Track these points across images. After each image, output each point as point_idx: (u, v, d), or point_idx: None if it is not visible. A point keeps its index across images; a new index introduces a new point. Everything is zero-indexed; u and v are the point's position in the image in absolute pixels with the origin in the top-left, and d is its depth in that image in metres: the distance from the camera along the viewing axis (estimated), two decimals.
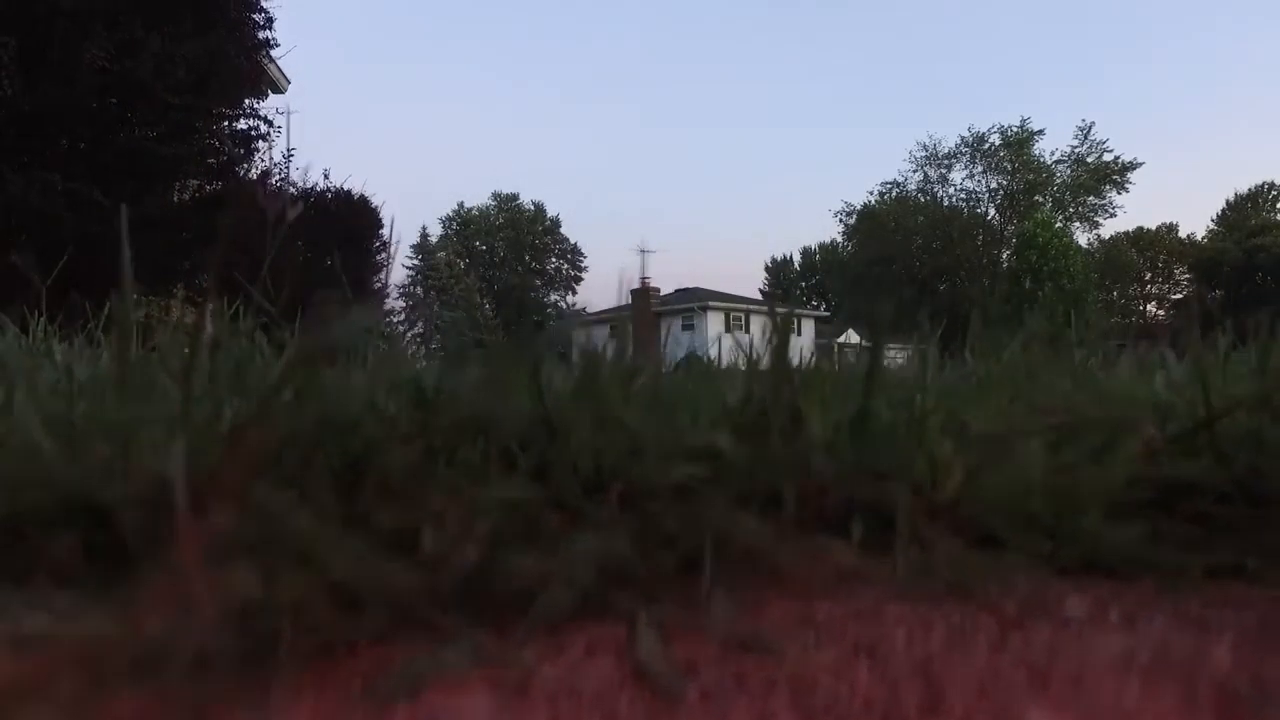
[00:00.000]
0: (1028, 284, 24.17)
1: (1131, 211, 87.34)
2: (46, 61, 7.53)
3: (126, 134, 8.31)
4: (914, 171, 47.65)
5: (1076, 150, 42.78)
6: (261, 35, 9.44)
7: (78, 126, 8.03)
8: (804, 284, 72.96)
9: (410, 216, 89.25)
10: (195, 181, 9.41)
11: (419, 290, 43.11)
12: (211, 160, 9.19)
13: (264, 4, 9.38)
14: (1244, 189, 60.16)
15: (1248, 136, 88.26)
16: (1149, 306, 65.26)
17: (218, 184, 9.48)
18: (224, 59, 8.57)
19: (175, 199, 9.08)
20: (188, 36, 8.17)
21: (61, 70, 7.53)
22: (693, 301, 30.02)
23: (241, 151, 9.42)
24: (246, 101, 9.50)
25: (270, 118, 9.56)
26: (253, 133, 9.49)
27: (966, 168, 45.58)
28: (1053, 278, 24.16)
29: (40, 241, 6.51)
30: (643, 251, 32.05)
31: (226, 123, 9.24)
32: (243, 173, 9.34)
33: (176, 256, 8.29)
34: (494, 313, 51.15)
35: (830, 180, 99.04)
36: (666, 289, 34.57)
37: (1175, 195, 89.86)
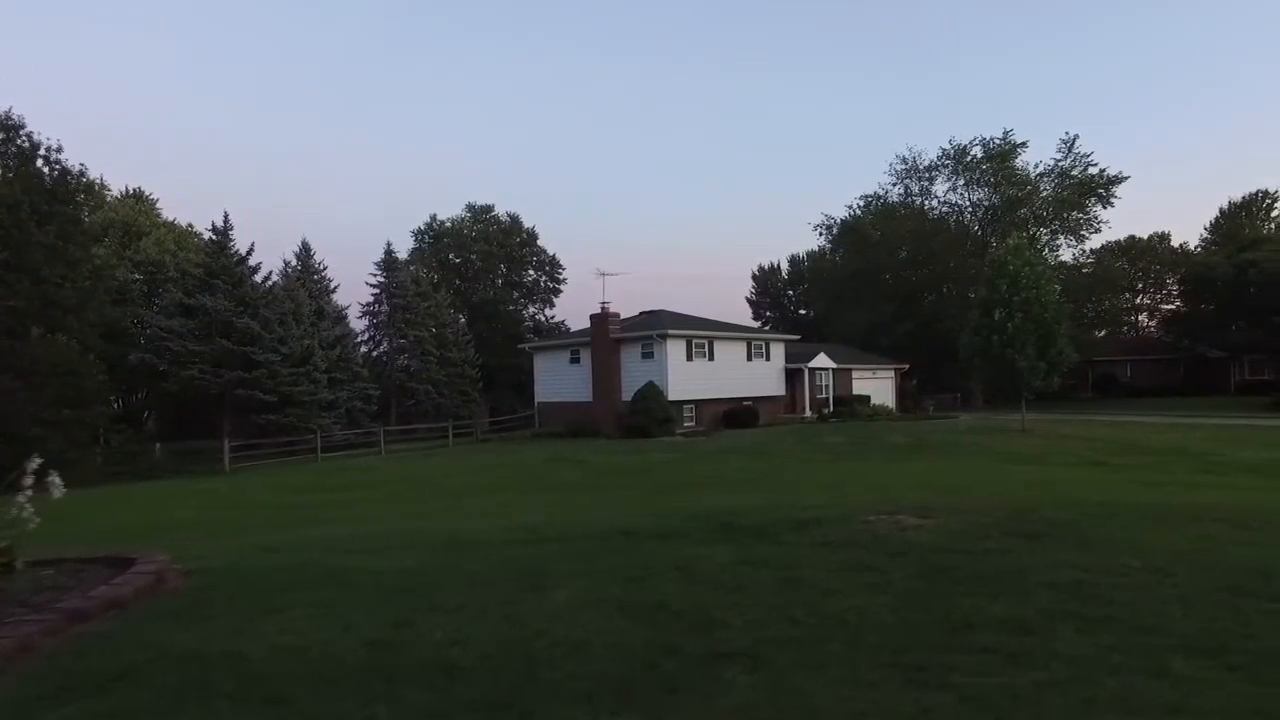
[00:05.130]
0: (997, 315, 22.79)
1: (1124, 220, 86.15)
2: None
3: None
4: (894, 185, 46.37)
5: (1060, 164, 41.49)
6: None
7: None
8: (790, 293, 71.67)
9: (378, 232, 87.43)
10: None
11: (384, 308, 41.74)
12: None
13: None
14: (1237, 197, 58.91)
15: (1241, 144, 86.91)
16: (1140, 317, 63.90)
17: None
18: None
19: None
20: None
21: None
22: (653, 328, 28.67)
23: None
24: None
25: None
26: None
27: (949, 180, 44.32)
28: (1024, 308, 22.80)
29: None
30: (602, 274, 30.66)
31: None
32: None
33: None
34: (468, 327, 49.79)
35: (817, 189, 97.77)
36: (643, 308, 33.30)
37: (1168, 203, 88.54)
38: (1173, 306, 56.74)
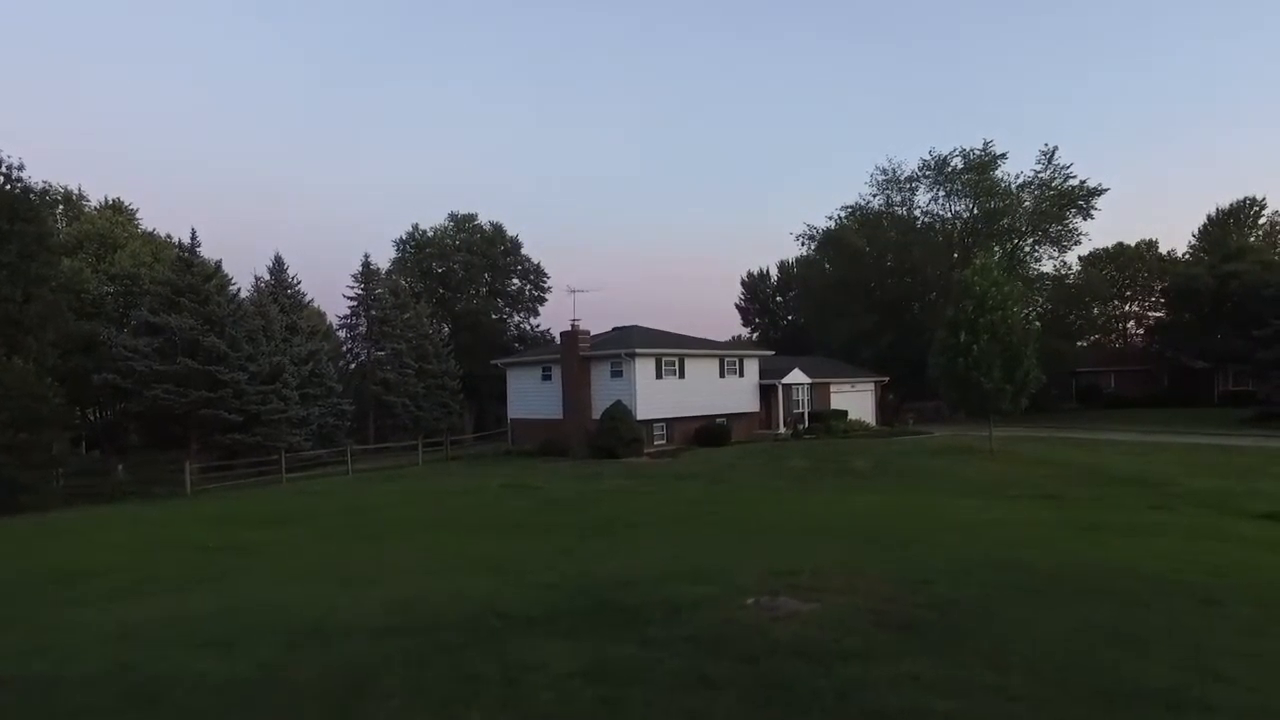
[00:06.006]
0: (962, 337, 22.54)
1: (1116, 227, 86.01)
2: None
3: None
4: (875, 195, 46.10)
5: (1040, 175, 41.25)
6: None
7: None
8: (780, 299, 71.40)
9: (366, 243, 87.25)
10: None
11: (361, 321, 41.47)
12: None
13: None
14: (1225, 204, 58.62)
15: (1234, 149, 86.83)
16: (1128, 325, 63.62)
17: None
18: None
19: None
20: None
21: None
22: (622, 346, 28.39)
23: None
24: None
25: None
26: None
27: (930, 190, 44.08)
28: (991, 329, 22.55)
29: None
30: (573, 291, 30.40)
31: None
32: None
33: None
34: (451, 337, 49.51)
35: (811, 191, 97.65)
36: (629, 319, 33.05)
37: (1159, 209, 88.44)
38: (1158, 315, 56.49)
